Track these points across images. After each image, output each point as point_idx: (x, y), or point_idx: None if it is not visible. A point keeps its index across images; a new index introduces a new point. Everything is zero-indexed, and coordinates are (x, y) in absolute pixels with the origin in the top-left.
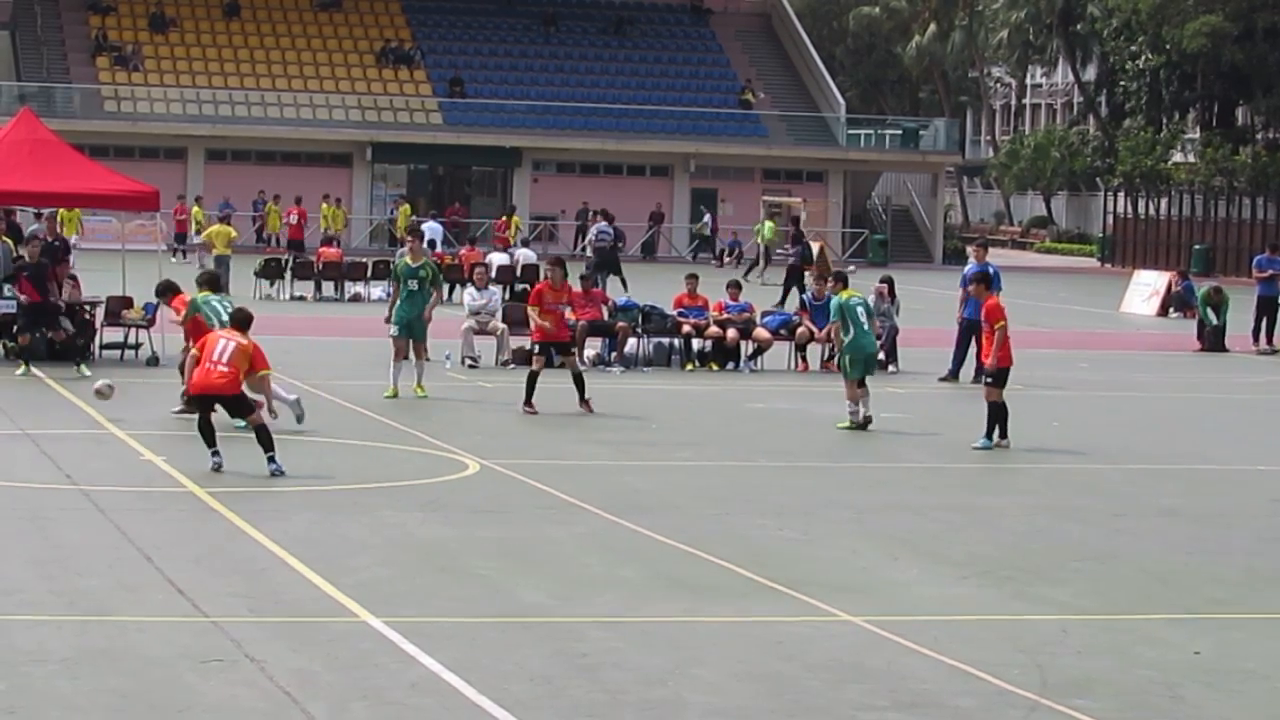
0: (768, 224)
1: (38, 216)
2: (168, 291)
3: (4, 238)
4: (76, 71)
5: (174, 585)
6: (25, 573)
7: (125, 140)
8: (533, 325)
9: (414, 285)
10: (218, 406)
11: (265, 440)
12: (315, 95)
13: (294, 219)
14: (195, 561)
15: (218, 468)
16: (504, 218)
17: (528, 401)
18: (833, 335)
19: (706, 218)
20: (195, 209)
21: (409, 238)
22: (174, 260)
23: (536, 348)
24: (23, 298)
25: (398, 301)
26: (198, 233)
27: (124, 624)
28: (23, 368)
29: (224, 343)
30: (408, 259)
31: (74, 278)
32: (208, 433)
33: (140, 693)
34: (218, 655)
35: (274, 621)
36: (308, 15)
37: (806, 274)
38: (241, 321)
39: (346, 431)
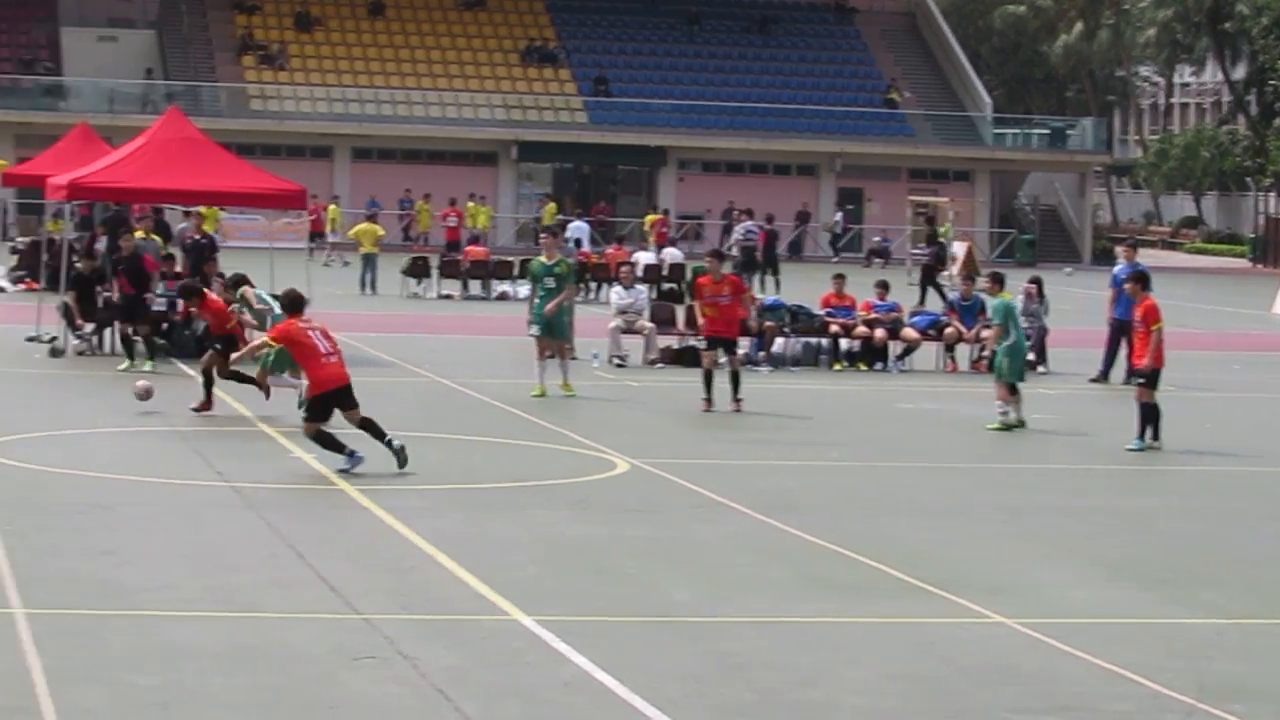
0: (945, 226)
1: (186, 215)
2: (194, 293)
3: (152, 235)
4: (223, 70)
5: (325, 582)
6: (178, 569)
7: (271, 139)
8: (700, 320)
9: (550, 283)
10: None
11: (376, 430)
12: (460, 94)
13: (452, 221)
14: (346, 558)
15: (359, 461)
16: (662, 214)
17: (706, 397)
18: (982, 335)
19: (838, 216)
20: (332, 208)
21: (543, 236)
22: (328, 262)
23: (706, 343)
24: (116, 293)
25: (536, 300)
26: (334, 231)
27: (276, 620)
28: (149, 363)
29: (314, 333)
30: (542, 258)
31: (221, 275)
32: (333, 438)
33: (292, 689)
34: (370, 652)
35: (426, 619)
36: (452, 14)
37: (940, 274)
38: (299, 304)
39: (495, 430)
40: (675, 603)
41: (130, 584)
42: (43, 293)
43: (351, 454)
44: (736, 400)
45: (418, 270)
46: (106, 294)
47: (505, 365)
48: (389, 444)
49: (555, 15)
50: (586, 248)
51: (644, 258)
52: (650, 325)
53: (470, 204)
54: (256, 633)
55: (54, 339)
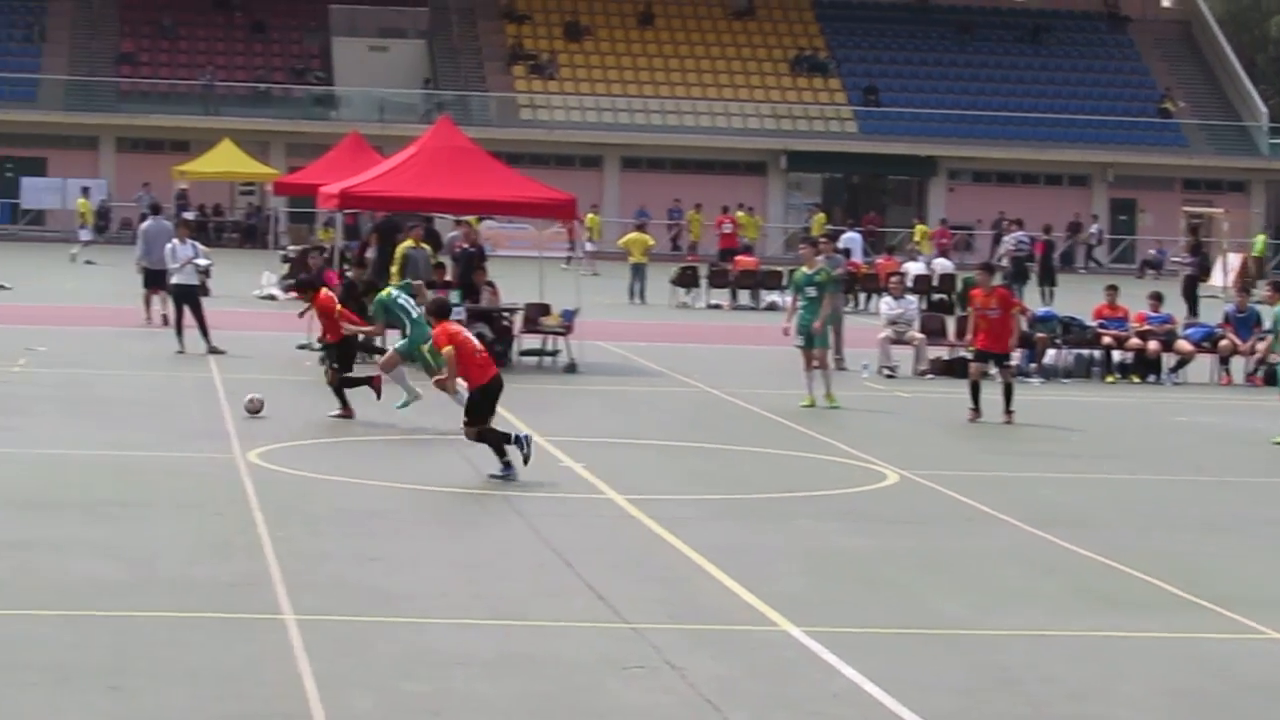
0: (1260, 238)
1: (457, 224)
2: (309, 287)
3: (422, 244)
4: (493, 80)
5: (594, 591)
6: (449, 576)
7: (540, 148)
8: (971, 332)
9: (811, 293)
10: None
11: (498, 435)
12: (730, 104)
13: (727, 228)
14: (615, 567)
15: (512, 477)
16: (940, 225)
17: (974, 407)
18: (1258, 347)
19: (1094, 228)
20: (590, 216)
21: (802, 246)
22: (564, 267)
23: (974, 355)
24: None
25: (798, 311)
26: (590, 240)
27: (545, 628)
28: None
29: (466, 333)
30: (804, 268)
31: (491, 284)
32: (499, 441)
33: (561, 697)
34: (639, 661)
35: (694, 629)
36: (721, 24)
37: (1203, 285)
38: (446, 310)
39: (763, 440)
40: (945, 615)
41: (399, 591)
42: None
43: (508, 465)
44: (1008, 412)
45: (687, 280)
46: None
47: (774, 375)
48: (515, 440)
49: (825, 25)
50: (857, 258)
51: (914, 268)
52: (920, 336)
53: (739, 214)
54: (525, 641)
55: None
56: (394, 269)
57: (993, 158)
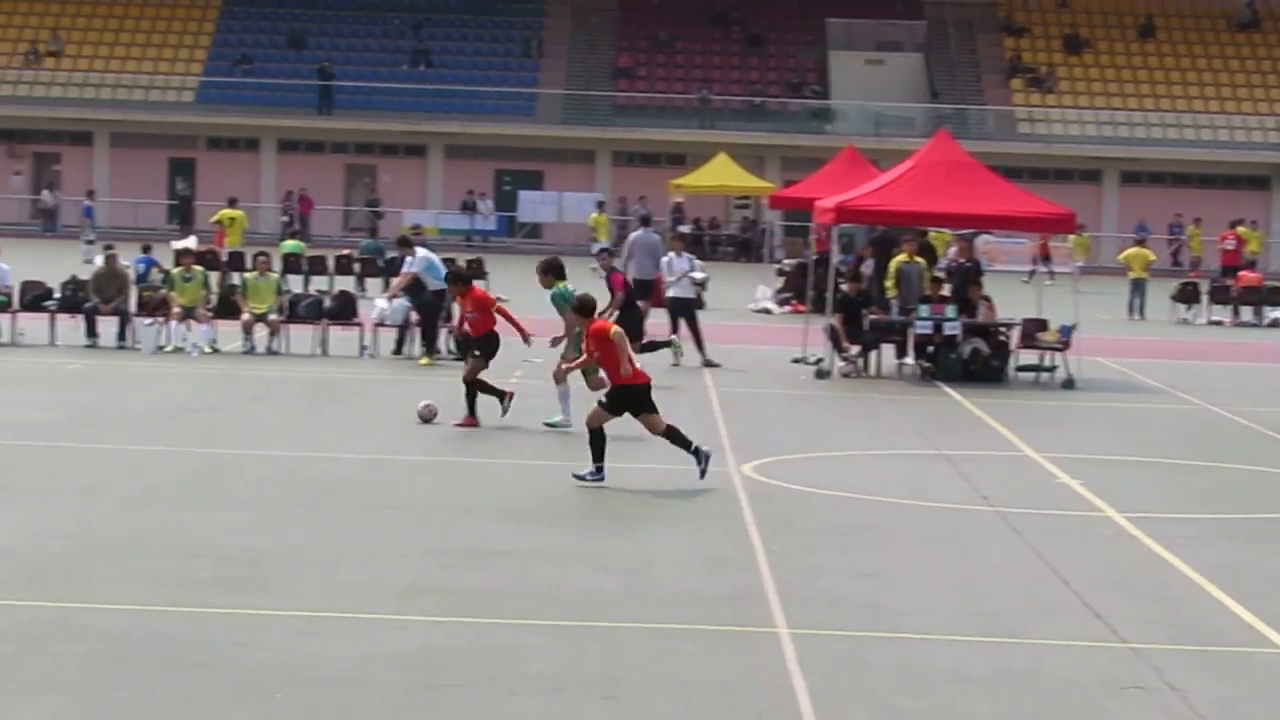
0: None
1: (957, 239)
2: (460, 281)
3: (917, 258)
4: (991, 93)
5: (1091, 609)
6: (944, 593)
7: (1039, 162)
8: None
9: None
10: None
11: (682, 440)
12: (1232, 117)
13: (1230, 244)
14: (1112, 586)
15: (600, 479)
16: None
17: None
18: None
19: None
20: (1074, 237)
21: None
22: (1024, 281)
23: None
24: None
25: None
26: (1072, 259)
27: (1040, 646)
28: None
29: (616, 340)
30: None
31: (987, 299)
32: (681, 439)
33: (1056, 715)
34: (1137, 682)
35: (1193, 649)
36: (1224, 35)
37: None
38: (591, 308)
39: (1266, 459)
40: None
41: (894, 606)
42: (808, 315)
43: (600, 470)
44: None
45: (1188, 295)
46: (873, 316)
47: (1277, 393)
48: (694, 451)
49: None
50: None
51: None
52: None
53: (1242, 229)
54: (1021, 659)
55: (819, 361)
56: (889, 283)
57: None
